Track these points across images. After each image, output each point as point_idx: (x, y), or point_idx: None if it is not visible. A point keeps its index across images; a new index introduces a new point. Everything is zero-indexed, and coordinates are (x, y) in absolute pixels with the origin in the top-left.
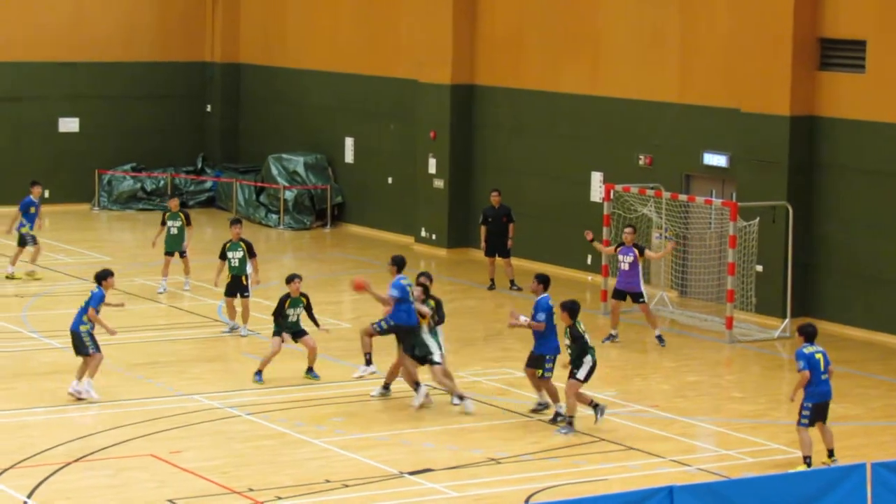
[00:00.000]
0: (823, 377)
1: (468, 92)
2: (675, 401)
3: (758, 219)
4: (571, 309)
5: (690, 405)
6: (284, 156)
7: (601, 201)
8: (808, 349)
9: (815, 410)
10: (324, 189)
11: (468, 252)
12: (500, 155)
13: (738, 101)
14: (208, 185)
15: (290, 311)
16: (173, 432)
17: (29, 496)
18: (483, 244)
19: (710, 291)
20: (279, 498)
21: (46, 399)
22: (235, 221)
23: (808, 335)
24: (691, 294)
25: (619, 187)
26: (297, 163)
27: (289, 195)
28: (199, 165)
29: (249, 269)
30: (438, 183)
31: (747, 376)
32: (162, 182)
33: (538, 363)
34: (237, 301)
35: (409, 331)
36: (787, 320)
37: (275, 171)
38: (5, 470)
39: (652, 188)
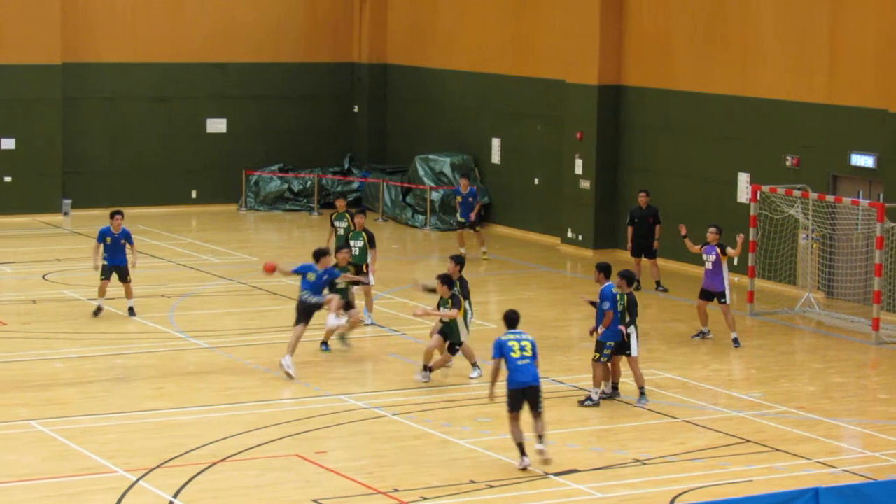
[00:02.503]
0: None
1: (615, 92)
2: (820, 402)
3: None
4: (628, 277)
5: (836, 406)
6: (431, 156)
7: (748, 202)
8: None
9: None
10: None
11: (615, 253)
12: (646, 155)
13: (887, 101)
14: (355, 185)
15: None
16: (319, 432)
17: (175, 495)
18: (630, 244)
19: (856, 293)
20: (424, 498)
21: (194, 399)
22: (360, 211)
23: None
24: (838, 295)
25: (765, 188)
26: (444, 163)
27: (435, 196)
28: (346, 166)
29: (369, 258)
30: (585, 184)
31: (894, 378)
32: (309, 182)
33: (599, 347)
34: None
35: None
36: None
37: (421, 172)
38: (153, 469)
39: (799, 189)
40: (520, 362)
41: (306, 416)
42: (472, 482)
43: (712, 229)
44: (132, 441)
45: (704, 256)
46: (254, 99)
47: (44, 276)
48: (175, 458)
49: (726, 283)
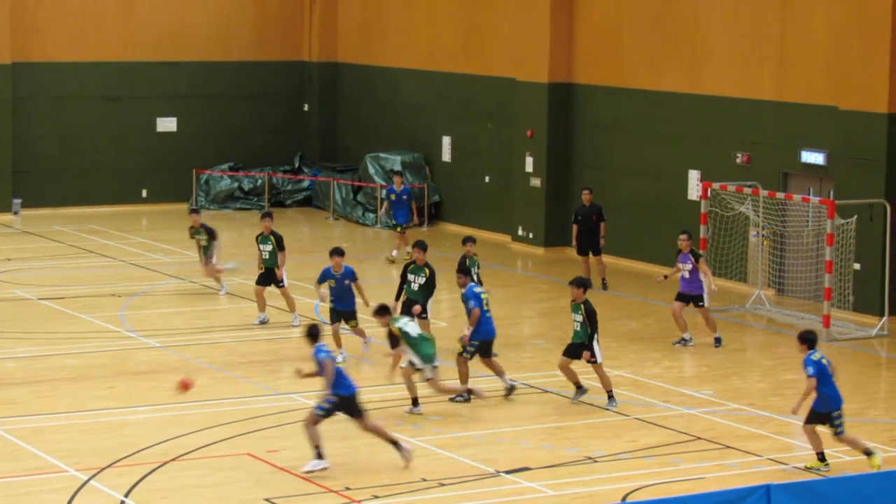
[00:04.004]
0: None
1: (566, 90)
2: (771, 399)
3: (855, 217)
4: (582, 283)
5: (787, 403)
6: (382, 155)
7: (698, 199)
8: (815, 356)
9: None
10: (421, 188)
11: (566, 251)
12: (597, 153)
13: (837, 98)
14: (306, 184)
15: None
16: (270, 431)
17: (126, 495)
18: (574, 243)
19: (807, 290)
20: (376, 497)
21: (145, 398)
22: (266, 215)
23: (811, 342)
24: (788, 292)
25: (716, 185)
26: (395, 161)
27: (385, 194)
28: (297, 165)
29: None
30: (536, 182)
31: (845, 375)
32: (259, 181)
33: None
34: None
35: (354, 398)
36: (885, 318)
37: (372, 170)
38: (103, 469)
39: (749, 186)
40: (488, 314)
41: (256, 416)
42: (424, 480)
43: (683, 236)
44: (83, 440)
45: (680, 265)
46: (204, 98)
47: None
48: (126, 457)
49: (705, 286)
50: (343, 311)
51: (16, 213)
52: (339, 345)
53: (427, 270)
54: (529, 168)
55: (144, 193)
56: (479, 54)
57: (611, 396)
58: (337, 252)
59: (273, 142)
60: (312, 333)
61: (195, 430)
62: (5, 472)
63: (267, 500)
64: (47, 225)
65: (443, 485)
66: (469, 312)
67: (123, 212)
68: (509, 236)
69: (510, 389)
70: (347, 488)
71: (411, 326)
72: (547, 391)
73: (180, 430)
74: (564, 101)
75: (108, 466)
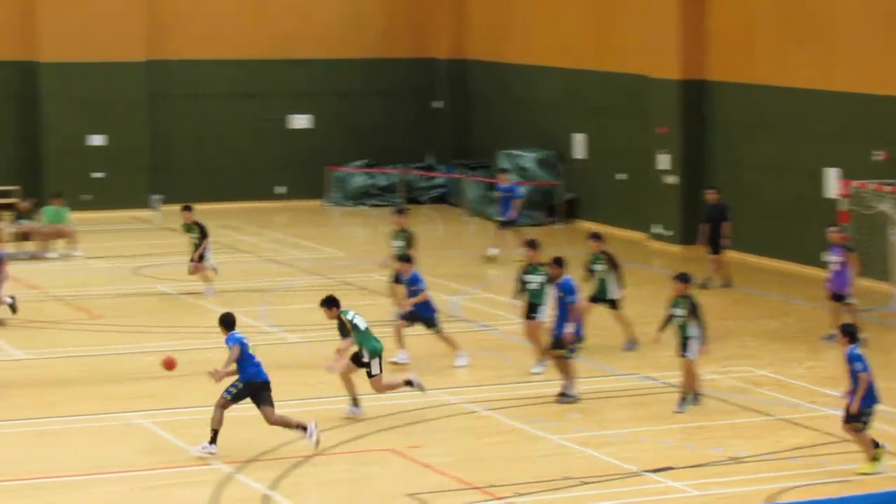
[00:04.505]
0: None
1: (698, 87)
2: None
3: None
4: (684, 278)
5: None
6: (514, 152)
7: (835, 197)
8: (858, 349)
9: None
10: (554, 185)
11: (701, 249)
12: (731, 150)
13: None
14: (439, 181)
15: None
16: (412, 427)
17: (271, 489)
18: (704, 241)
19: None
20: (519, 494)
21: (289, 393)
22: (399, 211)
23: (852, 335)
24: None
25: (855, 183)
26: (528, 158)
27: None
28: (430, 162)
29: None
30: (671, 179)
31: None
32: (394, 178)
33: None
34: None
35: (262, 386)
36: None
37: (505, 168)
38: (248, 462)
39: (890, 184)
40: None
41: (399, 411)
42: (567, 478)
43: (834, 229)
44: (227, 434)
45: (830, 258)
46: (336, 95)
47: (135, 271)
48: (269, 451)
49: (851, 283)
50: (421, 316)
51: (155, 209)
52: (400, 345)
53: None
54: (663, 165)
55: (279, 190)
56: (611, 50)
57: (685, 399)
58: (403, 258)
59: (404, 139)
60: (225, 321)
61: (338, 425)
62: (150, 465)
63: (409, 495)
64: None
65: (585, 483)
66: (566, 306)
67: (257, 208)
68: (644, 234)
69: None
70: (491, 485)
71: (359, 319)
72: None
73: (323, 426)
74: (697, 97)
75: (253, 460)
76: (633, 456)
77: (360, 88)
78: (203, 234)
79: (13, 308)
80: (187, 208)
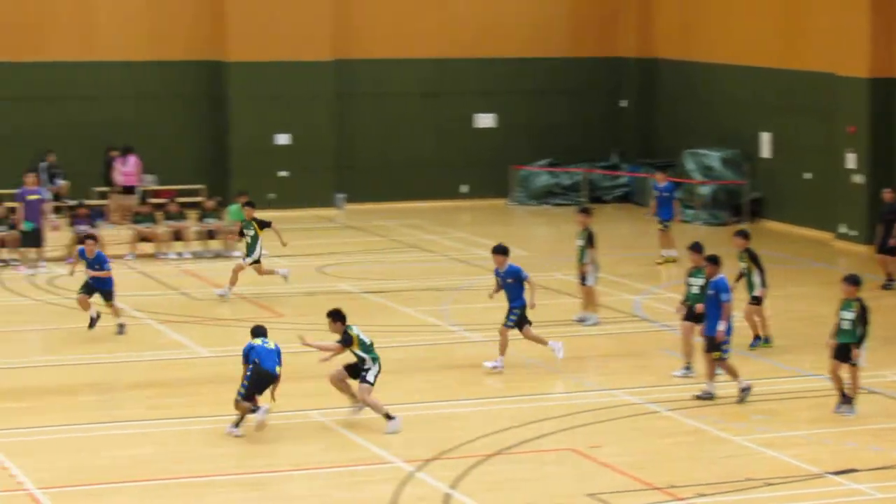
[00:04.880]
0: None
1: (888, 86)
2: None
3: None
4: (855, 281)
5: None
6: (700, 151)
7: None
8: None
9: None
10: (740, 184)
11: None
12: None
13: None
14: (623, 180)
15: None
16: (593, 427)
17: (452, 487)
18: (879, 241)
19: None
20: (700, 495)
21: (469, 391)
22: (582, 210)
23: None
24: None
25: None
26: (713, 157)
27: (705, 190)
28: (614, 161)
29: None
30: (858, 178)
31: None
32: (578, 177)
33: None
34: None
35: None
36: None
37: (690, 166)
38: (429, 461)
39: None
40: None
41: (579, 411)
42: (749, 479)
43: None
44: (408, 432)
45: None
46: (521, 94)
47: (319, 269)
48: (451, 450)
49: None
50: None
51: (339, 207)
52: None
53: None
54: (851, 165)
55: (462, 189)
56: (799, 49)
57: (849, 401)
58: (497, 250)
59: (589, 138)
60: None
61: (519, 424)
62: (335, 462)
63: (589, 495)
64: (369, 219)
65: (769, 484)
66: (719, 304)
67: (442, 207)
68: (831, 234)
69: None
70: (672, 486)
71: (364, 335)
72: (873, 391)
73: (504, 425)
74: (887, 96)
75: (434, 458)
76: (816, 457)
77: (545, 87)
78: (262, 226)
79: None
80: (249, 204)
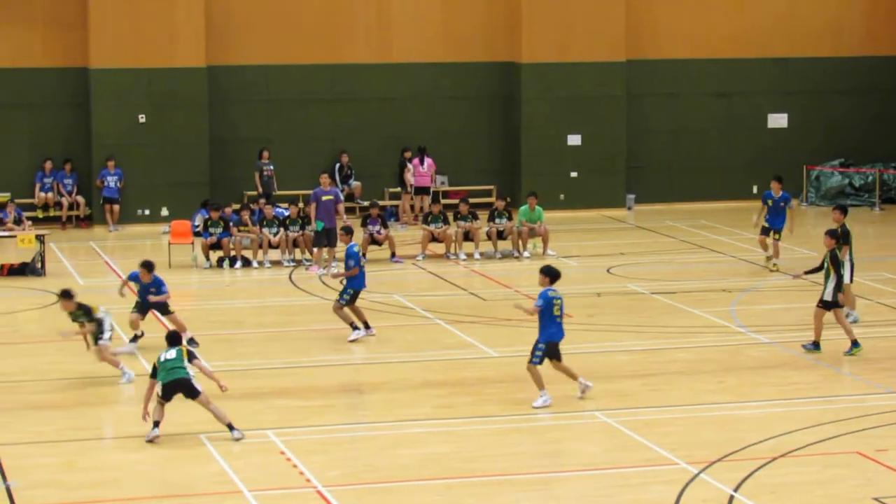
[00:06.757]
0: None
1: None
2: None
3: None
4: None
5: None
6: None
7: None
8: None
9: None
10: None
11: None
12: None
13: None
14: None
15: None
16: (880, 430)
17: (735, 490)
18: None
19: None
20: None
21: (755, 394)
22: (838, 208)
23: None
24: None
25: None
26: None
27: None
28: None
29: None
30: None
31: None
32: (870, 177)
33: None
34: None
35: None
36: None
37: None
38: (713, 463)
39: None
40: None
41: (867, 413)
42: None
43: None
44: (694, 434)
45: None
46: (814, 93)
47: (608, 270)
48: (735, 452)
49: None
50: None
51: (629, 208)
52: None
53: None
54: None
55: (755, 189)
56: None
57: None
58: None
59: (882, 137)
60: None
61: (805, 426)
62: (619, 463)
63: (876, 499)
64: (659, 220)
65: None
66: None
67: (732, 208)
68: None
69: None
70: None
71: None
72: None
73: (790, 427)
74: None
75: (718, 460)
76: None
77: (838, 87)
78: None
79: None
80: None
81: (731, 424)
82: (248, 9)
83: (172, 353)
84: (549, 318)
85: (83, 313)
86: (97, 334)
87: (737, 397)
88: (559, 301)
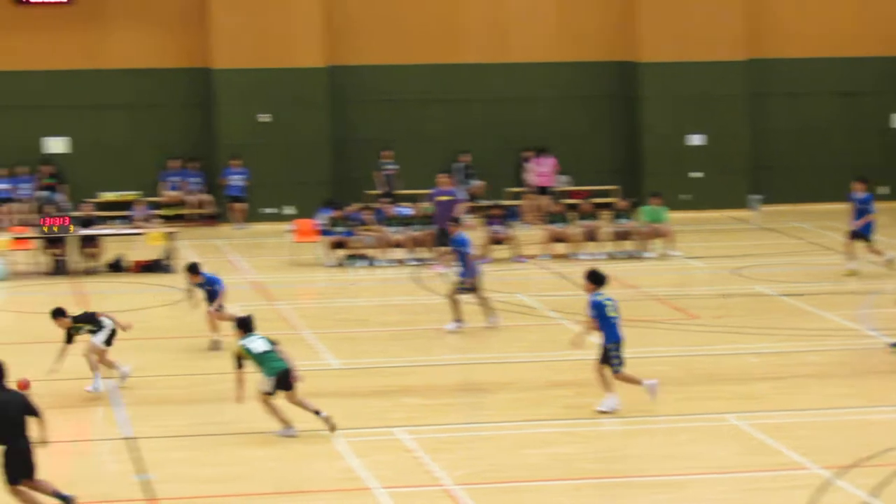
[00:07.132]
0: None
1: None
2: None
3: None
4: None
5: None
6: None
7: None
8: None
9: None
10: None
11: None
12: None
13: None
14: None
15: None
16: None
17: (871, 496)
18: None
19: None
20: None
21: (889, 398)
22: None
23: None
24: None
25: None
26: None
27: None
28: None
29: None
30: None
31: None
32: None
33: None
34: None
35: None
36: None
37: None
38: (847, 468)
39: None
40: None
41: None
42: None
43: None
44: (826, 438)
45: None
46: None
47: (735, 271)
48: (871, 457)
49: None
50: None
51: (755, 209)
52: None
53: None
54: None
55: (881, 191)
56: None
57: None
58: None
59: None
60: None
61: None
62: (749, 467)
63: None
64: (785, 221)
65: None
66: None
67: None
68: None
69: None
70: None
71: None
72: None
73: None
74: None
75: (852, 466)
76: None
77: None
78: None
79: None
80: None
81: (863, 429)
82: (366, 10)
83: (263, 344)
84: (605, 321)
85: (85, 321)
86: (96, 331)
87: (869, 401)
88: (610, 302)
